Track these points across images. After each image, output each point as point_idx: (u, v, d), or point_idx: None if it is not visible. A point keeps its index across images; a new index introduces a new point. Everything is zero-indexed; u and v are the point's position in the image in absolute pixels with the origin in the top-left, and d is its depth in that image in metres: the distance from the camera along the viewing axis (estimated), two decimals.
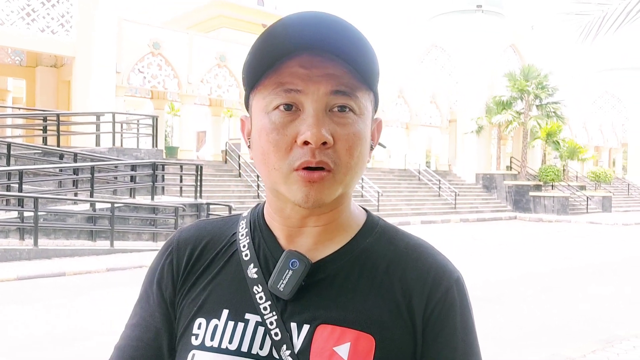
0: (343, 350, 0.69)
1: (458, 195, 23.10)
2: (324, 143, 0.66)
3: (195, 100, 20.04)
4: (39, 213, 9.43)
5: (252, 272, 0.74)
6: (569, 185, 27.20)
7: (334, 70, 0.68)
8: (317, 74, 0.67)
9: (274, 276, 0.72)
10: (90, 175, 10.90)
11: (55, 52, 15.65)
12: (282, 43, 0.67)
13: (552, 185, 25.83)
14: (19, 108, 17.01)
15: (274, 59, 0.68)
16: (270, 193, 0.75)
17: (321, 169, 0.67)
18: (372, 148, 0.75)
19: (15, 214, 9.74)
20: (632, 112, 38.65)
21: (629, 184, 34.36)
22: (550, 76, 26.35)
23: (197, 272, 0.78)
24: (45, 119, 13.48)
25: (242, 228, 0.79)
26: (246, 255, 0.76)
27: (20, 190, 9.63)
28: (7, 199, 10.01)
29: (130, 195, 12.01)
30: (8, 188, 10.12)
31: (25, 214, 9.58)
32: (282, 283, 0.72)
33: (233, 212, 9.76)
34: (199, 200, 12.37)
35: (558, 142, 26.92)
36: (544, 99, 26.08)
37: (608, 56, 41.39)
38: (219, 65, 19.52)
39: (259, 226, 0.79)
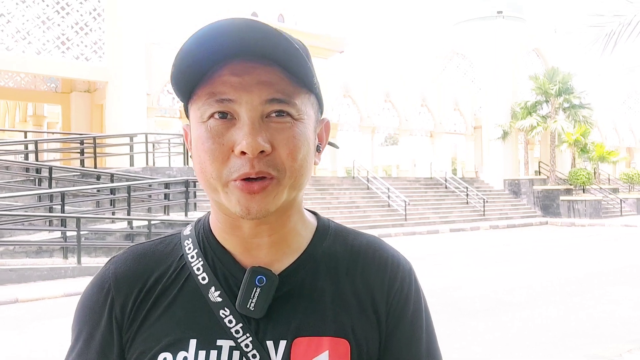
0: (322, 359, 0.69)
1: (486, 202, 22.97)
2: (262, 152, 0.64)
3: None
4: (81, 232, 9.87)
5: (214, 295, 0.70)
6: (600, 188, 26.72)
7: (267, 76, 0.65)
8: (250, 81, 0.65)
9: (241, 296, 0.69)
10: (126, 195, 11.35)
11: (89, 78, 16.33)
12: (211, 50, 0.64)
13: (584, 189, 25.42)
14: (59, 133, 17.72)
15: (205, 67, 0.65)
16: (214, 205, 0.72)
17: (262, 178, 0.65)
18: (319, 150, 0.74)
19: (58, 234, 10.21)
20: None
21: None
22: (576, 78, 26.06)
23: (147, 306, 0.72)
24: (82, 142, 14.07)
25: (189, 249, 0.74)
26: (203, 278, 0.71)
27: (62, 210, 10.10)
28: (50, 220, 10.52)
29: (165, 213, 12.43)
30: (50, 209, 10.62)
31: (68, 233, 10.04)
32: (252, 302, 0.69)
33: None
34: None
35: (586, 145, 26.52)
36: (571, 101, 25.78)
37: (635, 54, 40.60)
38: None
39: (209, 244, 0.74)
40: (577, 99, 25.98)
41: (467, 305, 7.05)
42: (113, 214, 11.63)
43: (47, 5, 15.15)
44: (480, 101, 27.99)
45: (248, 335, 0.68)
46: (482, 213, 22.52)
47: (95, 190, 11.97)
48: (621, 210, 25.41)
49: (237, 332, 0.68)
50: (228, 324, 0.69)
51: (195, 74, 0.66)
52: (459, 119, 27.41)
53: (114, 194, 11.76)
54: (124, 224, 11.14)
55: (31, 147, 13.12)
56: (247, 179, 0.64)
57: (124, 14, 16.12)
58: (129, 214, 11.19)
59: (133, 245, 0.78)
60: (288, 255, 0.73)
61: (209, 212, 0.77)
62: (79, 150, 14.26)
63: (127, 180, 12.43)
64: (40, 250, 9.87)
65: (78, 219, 9.68)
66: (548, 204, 24.86)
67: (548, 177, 26.36)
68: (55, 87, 19.19)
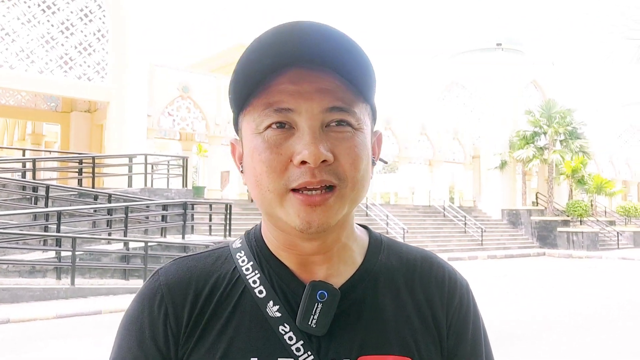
0: None
1: (484, 231, 22.88)
2: (324, 162, 0.61)
3: (222, 141, 20.56)
4: (76, 253, 9.71)
5: (272, 310, 0.67)
6: (597, 220, 26.71)
7: (327, 84, 0.63)
8: (309, 89, 0.62)
9: (302, 312, 0.66)
10: (123, 215, 11.22)
11: (91, 97, 16.36)
12: (268, 58, 0.61)
13: (581, 221, 25.40)
14: (57, 152, 17.66)
15: (261, 76, 0.63)
16: (269, 221, 0.69)
17: (324, 188, 0.62)
18: (374, 163, 0.71)
19: (52, 254, 10.05)
20: None
21: None
22: (573, 111, 26.33)
23: (204, 320, 0.68)
24: (81, 162, 14.00)
25: (243, 262, 0.71)
26: (260, 292, 0.68)
27: (58, 230, 9.96)
28: (44, 239, 10.36)
29: (162, 235, 12.28)
30: (46, 229, 10.48)
31: (62, 253, 9.88)
32: (313, 318, 0.65)
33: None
34: (229, 239, 12.56)
35: (583, 177, 26.62)
36: (567, 133, 25.98)
37: (632, 89, 41.16)
38: None
39: (264, 257, 0.71)
40: (574, 131, 26.16)
41: None
42: (109, 234, 11.48)
43: (52, 26, 15.25)
44: (479, 131, 28.17)
45: (310, 353, 0.65)
46: (480, 242, 22.41)
47: (92, 211, 11.83)
48: (618, 243, 25.34)
49: (297, 349, 0.65)
50: (288, 341, 0.66)
51: (250, 83, 0.64)
52: (458, 148, 27.53)
53: (111, 215, 11.63)
54: (120, 245, 10.99)
55: (29, 165, 13.03)
56: (306, 191, 0.62)
57: (128, 35, 16.24)
58: (125, 235, 11.05)
59: (179, 257, 0.75)
60: (344, 270, 0.71)
61: (256, 226, 0.75)
62: (77, 170, 14.17)
63: (125, 200, 12.31)
64: (34, 270, 9.69)
65: (74, 238, 9.54)
66: (545, 235, 24.79)
67: (545, 207, 26.35)
68: (56, 106, 19.21)
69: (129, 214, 11.50)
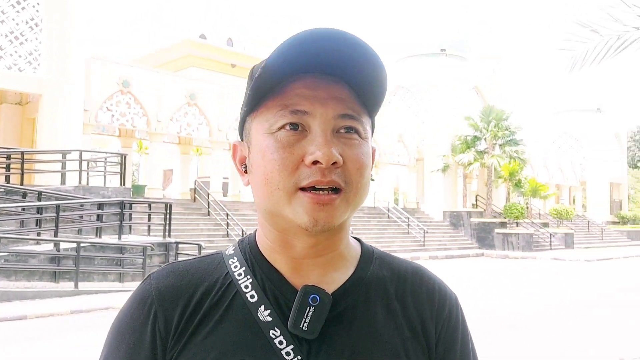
0: None
1: (426, 232, 23.38)
2: (334, 163, 0.64)
3: (164, 139, 19.96)
4: (1, 253, 9.09)
5: (264, 314, 0.68)
6: (532, 222, 27.90)
7: (339, 93, 0.67)
8: (324, 96, 0.66)
9: (294, 315, 0.66)
10: (54, 215, 10.62)
11: (22, 89, 15.43)
12: (286, 64, 0.65)
13: (517, 223, 26.44)
14: None
15: (279, 80, 0.66)
16: (267, 222, 0.70)
17: (331, 190, 0.64)
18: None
19: None
20: (588, 152, 40.32)
21: (589, 221, 35.47)
22: (511, 117, 27.39)
23: (193, 324, 0.69)
24: (9, 157, 13.15)
25: (235, 267, 0.72)
26: (252, 296, 0.69)
27: None
28: None
29: (97, 235, 11.72)
30: None
31: None
32: (305, 322, 0.66)
33: (203, 251, 9.35)
34: (168, 240, 12.16)
35: (520, 181, 27.74)
36: (505, 138, 26.99)
37: (565, 98, 43.37)
38: (188, 103, 19.57)
39: (257, 262, 0.72)
40: (511, 135, 27.21)
41: None
42: (38, 234, 10.83)
43: None
44: (423, 134, 28.81)
45: (300, 357, 0.66)
46: (422, 243, 22.87)
47: (20, 209, 11.13)
48: (551, 244, 26.56)
49: (287, 354, 0.66)
50: (278, 345, 0.66)
51: (266, 86, 0.66)
52: (403, 150, 28.02)
53: (41, 214, 10.98)
54: (50, 246, 10.39)
55: None
56: (315, 190, 0.64)
57: (64, 25, 15.44)
58: (56, 235, 10.45)
59: (171, 263, 0.75)
60: (336, 277, 0.72)
61: (250, 234, 0.76)
62: (4, 166, 13.30)
63: (57, 199, 11.66)
64: None
65: None
66: (484, 236, 25.63)
67: (484, 210, 27.27)
68: None
69: (61, 213, 10.89)
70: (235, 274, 0.71)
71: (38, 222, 10.95)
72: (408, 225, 23.85)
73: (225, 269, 0.72)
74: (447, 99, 28.40)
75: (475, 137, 27.16)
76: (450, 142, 28.10)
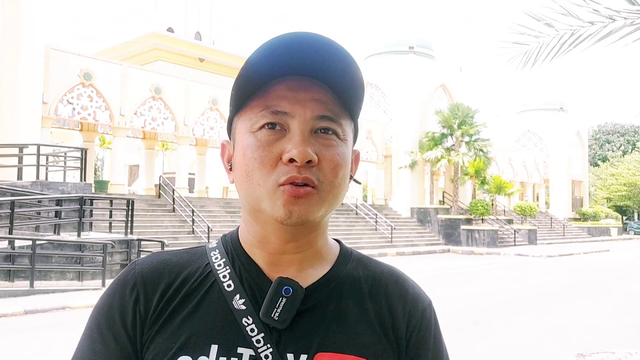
0: None
1: (394, 229, 23.53)
2: (309, 162, 0.67)
3: (127, 133, 19.45)
4: None
5: (238, 303, 0.71)
6: (497, 218, 28.42)
7: (320, 95, 0.69)
8: (304, 97, 0.69)
9: (266, 305, 0.70)
10: (9, 211, 10.18)
11: None
12: (271, 67, 0.68)
13: (482, 219, 26.89)
14: None
15: (262, 82, 0.69)
16: (249, 216, 0.74)
17: (306, 186, 0.67)
18: (351, 177, 0.76)
19: None
20: (552, 150, 41.34)
21: (551, 218, 36.40)
22: (477, 115, 27.79)
23: (171, 306, 0.72)
24: None
25: (216, 258, 0.76)
26: (229, 285, 0.73)
27: None
28: None
29: (55, 232, 11.31)
30: None
31: None
32: (276, 312, 0.69)
33: (166, 248, 9.26)
34: (130, 237, 11.83)
35: (485, 179, 28.22)
36: (471, 135, 27.36)
37: (529, 97, 44.32)
38: (153, 97, 19.12)
39: (237, 255, 0.76)
40: (477, 133, 27.61)
41: None
42: None
43: None
44: (391, 131, 28.97)
45: (269, 346, 0.68)
46: (390, 240, 23.01)
47: None
48: (515, 240, 27.12)
49: (258, 341, 0.69)
50: (250, 333, 0.69)
51: (251, 87, 0.70)
52: (371, 147, 28.11)
53: None
54: (5, 244, 9.96)
55: None
56: (293, 185, 0.67)
57: (21, 13, 14.84)
58: (10, 233, 10.03)
59: (155, 252, 0.79)
60: (312, 274, 0.75)
61: (233, 230, 0.79)
62: None
63: (12, 194, 11.20)
64: None
65: None
66: (450, 233, 25.98)
67: (451, 206, 27.63)
68: None
69: (17, 210, 10.45)
70: (215, 264, 0.75)
71: None
72: (376, 221, 23.96)
73: (206, 260, 0.76)
74: (415, 97, 28.62)
75: (442, 134, 27.46)
76: (418, 139, 28.34)
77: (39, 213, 11.59)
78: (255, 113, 0.70)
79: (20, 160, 13.25)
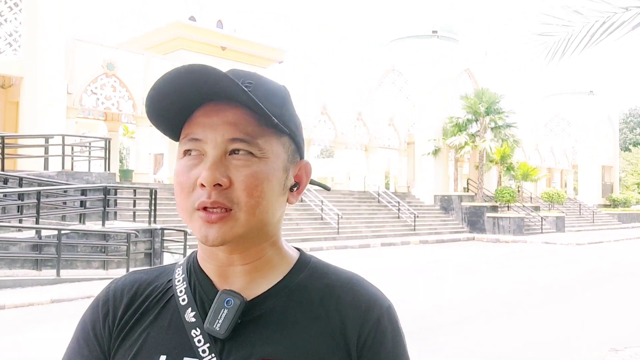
0: None
1: (417, 217, 23.29)
2: (220, 185, 0.69)
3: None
4: None
5: (189, 316, 0.75)
6: (524, 206, 27.88)
7: (233, 117, 0.71)
8: (217, 122, 0.71)
9: (210, 316, 0.73)
10: (36, 201, 10.35)
11: (2, 72, 15.01)
12: (185, 96, 0.70)
13: (508, 206, 26.41)
14: None
15: (187, 111, 0.72)
16: None
17: (220, 210, 0.69)
18: (293, 190, 0.77)
19: None
20: (580, 135, 40.28)
21: (580, 205, 35.57)
22: (503, 99, 27.16)
23: (132, 319, 0.77)
24: None
25: (178, 274, 0.80)
26: (183, 300, 0.77)
27: None
28: None
29: (80, 221, 11.47)
30: None
31: None
32: (218, 323, 0.72)
33: (189, 237, 9.43)
34: (153, 226, 11.93)
35: (511, 165, 27.67)
36: (498, 121, 26.79)
37: (557, 80, 43.19)
38: None
39: (194, 270, 0.80)
40: (504, 119, 27.01)
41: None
42: (20, 221, 10.57)
43: None
44: (414, 117, 28.56)
45: (213, 355, 0.72)
46: (413, 228, 22.79)
47: (1, 195, 10.83)
48: (542, 228, 26.59)
49: (203, 351, 0.72)
50: (197, 344, 0.73)
51: (177, 119, 0.73)
52: (393, 134, 27.79)
53: (22, 200, 10.69)
54: (32, 233, 10.14)
55: None
56: (207, 210, 0.69)
57: (44, 5, 14.97)
58: (37, 222, 10.19)
59: (134, 270, 0.86)
60: (262, 284, 0.77)
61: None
62: None
63: (39, 185, 11.37)
64: None
65: None
66: (475, 220, 25.60)
67: (476, 194, 27.19)
68: None
69: (43, 200, 10.61)
70: (176, 280, 0.79)
71: (19, 209, 10.68)
72: (398, 209, 23.74)
73: (172, 276, 0.81)
74: (438, 82, 28.10)
75: (467, 120, 26.95)
76: (442, 125, 27.88)
77: (64, 203, 11.77)
78: (182, 141, 0.73)
79: (46, 151, 13.45)
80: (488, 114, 26.41)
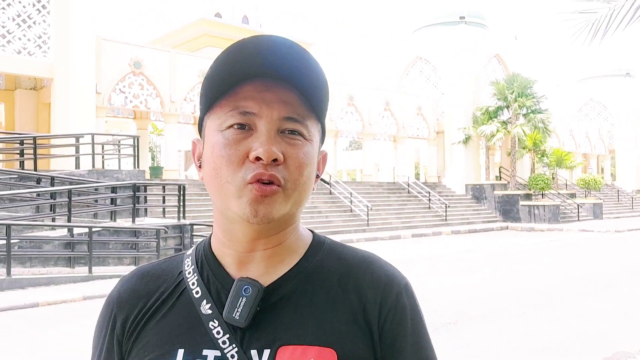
0: None
1: (448, 207, 22.89)
2: (275, 160, 0.69)
3: (178, 119, 19.74)
4: (13, 240, 9.01)
5: (205, 308, 0.74)
6: (559, 193, 27.11)
7: (287, 97, 0.71)
8: (272, 99, 0.70)
9: (228, 306, 0.72)
10: (67, 199, 10.51)
11: (32, 73, 15.32)
12: (239, 68, 0.70)
13: (543, 194, 25.71)
14: None
15: (231, 83, 0.71)
16: (219, 214, 0.75)
17: (272, 184, 0.69)
18: (317, 177, 0.77)
19: None
20: (617, 119, 38.90)
21: (618, 190, 34.42)
22: (535, 85, 26.36)
23: (144, 318, 0.76)
24: (22, 143, 13.08)
25: (187, 266, 0.79)
26: (197, 292, 0.75)
27: None
28: None
29: (111, 219, 11.62)
30: None
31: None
32: (237, 311, 0.71)
33: None
34: (182, 222, 11.99)
35: (545, 151, 26.89)
36: (530, 107, 26.04)
37: (590, 64, 41.78)
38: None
39: (206, 260, 0.78)
40: (536, 104, 26.23)
41: (430, 319, 6.63)
42: (53, 220, 10.76)
43: None
44: (443, 106, 28.04)
45: (234, 345, 0.71)
46: (444, 218, 22.41)
47: (34, 195, 11.05)
48: (578, 215, 25.82)
49: (224, 342, 0.71)
50: (216, 335, 0.72)
51: (220, 88, 0.72)
52: (422, 123, 27.35)
53: (55, 199, 10.88)
54: (64, 232, 10.30)
55: None
56: (260, 183, 0.69)
57: (71, 6, 15.18)
58: (69, 220, 10.36)
59: (140, 265, 0.84)
60: (280, 269, 0.76)
61: (210, 234, 0.81)
62: (18, 152, 13.24)
63: (70, 183, 11.56)
64: None
65: (8, 226, 8.82)
66: (508, 209, 25.02)
67: (508, 182, 26.55)
68: None
69: (75, 198, 10.78)
70: (186, 272, 0.78)
71: (52, 208, 10.87)
72: (429, 200, 23.38)
73: (181, 268, 0.79)
74: (467, 69, 27.46)
75: (498, 107, 26.29)
76: (472, 113, 27.27)
77: (95, 201, 11.94)
78: (225, 112, 0.71)
79: (77, 150, 13.68)
80: (518, 100, 25.68)
